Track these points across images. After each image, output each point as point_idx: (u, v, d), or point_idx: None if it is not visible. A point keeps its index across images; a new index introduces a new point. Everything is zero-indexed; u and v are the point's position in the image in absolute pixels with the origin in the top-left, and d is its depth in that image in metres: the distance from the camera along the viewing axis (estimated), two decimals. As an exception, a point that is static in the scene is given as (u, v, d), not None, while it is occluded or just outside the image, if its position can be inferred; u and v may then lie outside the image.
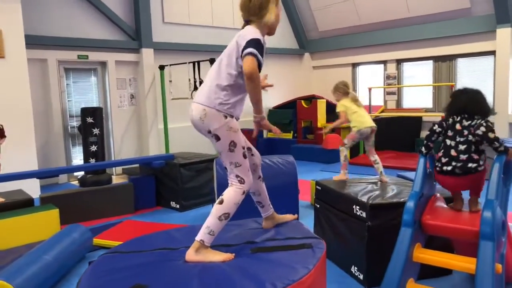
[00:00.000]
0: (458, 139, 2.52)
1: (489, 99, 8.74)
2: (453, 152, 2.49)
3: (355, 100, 4.15)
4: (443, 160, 2.52)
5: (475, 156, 2.43)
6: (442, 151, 2.57)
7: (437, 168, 2.57)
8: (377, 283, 3.01)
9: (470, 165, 2.41)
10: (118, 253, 1.94)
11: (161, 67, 7.88)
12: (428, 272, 2.73)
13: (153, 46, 8.19)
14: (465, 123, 2.54)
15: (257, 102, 1.99)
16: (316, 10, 10.29)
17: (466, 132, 2.51)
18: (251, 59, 1.90)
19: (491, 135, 2.41)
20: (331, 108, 9.71)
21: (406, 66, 9.48)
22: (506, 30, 7.67)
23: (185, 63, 7.42)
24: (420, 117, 8.79)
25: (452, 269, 2.65)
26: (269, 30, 2.15)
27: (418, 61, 9.24)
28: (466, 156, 2.45)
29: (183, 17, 8.74)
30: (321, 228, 3.60)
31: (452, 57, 8.68)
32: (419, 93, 9.17)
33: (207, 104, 1.99)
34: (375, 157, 3.93)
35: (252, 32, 2.03)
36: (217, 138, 2.00)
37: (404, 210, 2.32)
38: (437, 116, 8.00)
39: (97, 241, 4.01)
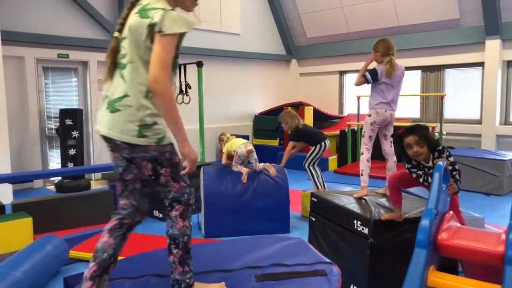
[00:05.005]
0: None
1: (477, 110, 8.72)
2: None
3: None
4: None
5: None
6: None
7: None
8: (379, 304, 2.81)
9: None
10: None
11: (145, 69, 7.59)
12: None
13: (137, 47, 7.89)
14: None
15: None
16: (304, 14, 10.16)
17: None
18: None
19: None
20: (318, 116, 9.59)
21: (394, 75, 9.39)
22: (495, 42, 7.66)
23: (171, 65, 7.14)
24: (408, 127, 8.73)
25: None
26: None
27: (406, 71, 9.13)
28: None
29: (169, 18, 8.48)
30: (317, 243, 3.37)
31: (440, 68, 8.64)
32: (406, 103, 9.09)
33: None
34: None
35: None
36: None
37: (418, 229, 2.12)
38: (426, 127, 7.93)
39: (73, 253, 3.70)
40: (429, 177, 2.64)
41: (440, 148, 2.65)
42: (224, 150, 4.74)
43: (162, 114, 1.63)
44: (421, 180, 2.69)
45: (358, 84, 3.87)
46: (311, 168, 5.02)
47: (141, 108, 1.64)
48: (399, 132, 2.76)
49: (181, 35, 1.62)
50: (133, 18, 1.67)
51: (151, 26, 1.59)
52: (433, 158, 2.65)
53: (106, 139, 1.75)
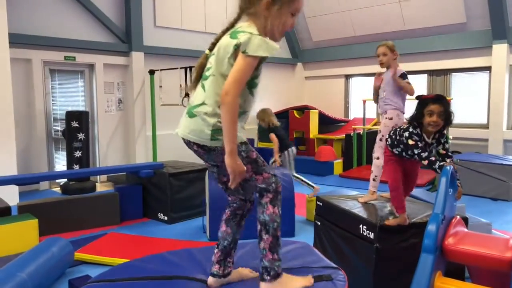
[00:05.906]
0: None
1: (483, 114, 8.63)
2: None
3: None
4: None
5: None
6: None
7: None
8: (385, 310, 2.78)
9: None
10: (105, 282, 1.67)
11: (151, 72, 7.61)
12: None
13: (144, 49, 7.93)
14: None
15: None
16: (310, 17, 10.16)
17: None
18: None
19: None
20: (324, 120, 9.58)
21: (400, 79, 9.36)
22: (502, 46, 7.62)
23: (177, 68, 7.17)
24: (414, 131, 8.69)
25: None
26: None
27: (412, 74, 9.12)
28: None
29: (176, 21, 8.51)
30: (322, 248, 3.36)
31: (447, 72, 8.60)
32: (412, 107, 9.05)
33: None
34: None
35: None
36: None
37: (425, 234, 2.11)
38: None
39: (78, 255, 3.71)
40: (427, 156, 2.59)
41: (444, 131, 2.74)
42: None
43: (222, 124, 1.75)
44: (416, 151, 2.61)
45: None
46: (296, 175, 5.29)
47: (215, 115, 1.79)
48: (425, 96, 2.77)
49: (262, 58, 1.78)
50: (225, 39, 1.85)
51: (237, 46, 1.75)
52: (434, 136, 2.73)
53: (185, 142, 1.91)
